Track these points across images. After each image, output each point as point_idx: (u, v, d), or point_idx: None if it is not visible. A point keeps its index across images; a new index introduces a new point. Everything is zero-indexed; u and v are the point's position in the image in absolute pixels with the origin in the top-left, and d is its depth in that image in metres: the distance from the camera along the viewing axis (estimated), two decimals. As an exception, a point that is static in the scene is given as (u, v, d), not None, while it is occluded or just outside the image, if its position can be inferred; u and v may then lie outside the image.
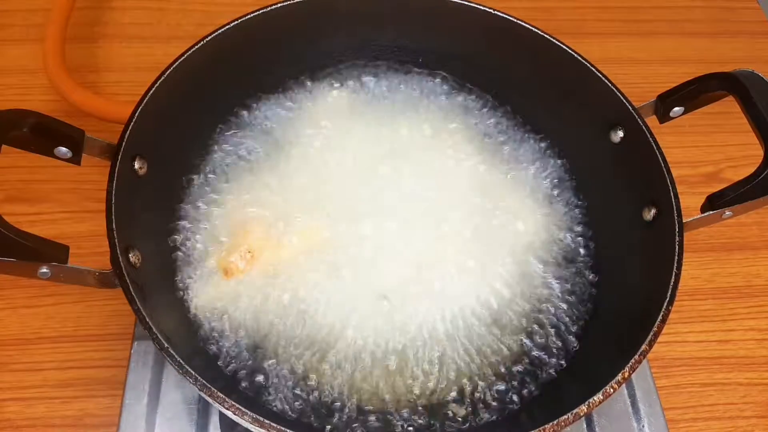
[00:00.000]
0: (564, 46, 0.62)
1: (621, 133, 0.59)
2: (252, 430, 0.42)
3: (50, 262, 0.44)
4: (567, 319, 0.57)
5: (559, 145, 0.67)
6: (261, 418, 0.41)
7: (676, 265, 0.49)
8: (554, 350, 0.56)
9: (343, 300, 0.55)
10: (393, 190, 0.61)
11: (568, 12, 0.98)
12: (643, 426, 0.61)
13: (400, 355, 0.54)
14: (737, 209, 0.52)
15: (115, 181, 0.49)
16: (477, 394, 0.53)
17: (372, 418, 0.51)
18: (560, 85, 0.64)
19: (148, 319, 0.44)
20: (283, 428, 0.41)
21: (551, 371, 0.55)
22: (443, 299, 0.56)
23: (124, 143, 0.51)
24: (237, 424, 0.43)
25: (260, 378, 0.52)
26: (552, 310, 0.58)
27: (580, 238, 0.62)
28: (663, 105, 0.58)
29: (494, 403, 0.53)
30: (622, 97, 0.59)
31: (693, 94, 0.56)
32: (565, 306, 0.58)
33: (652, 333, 0.46)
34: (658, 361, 0.67)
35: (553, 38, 0.62)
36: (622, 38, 0.96)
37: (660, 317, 0.47)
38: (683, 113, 0.58)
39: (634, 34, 0.97)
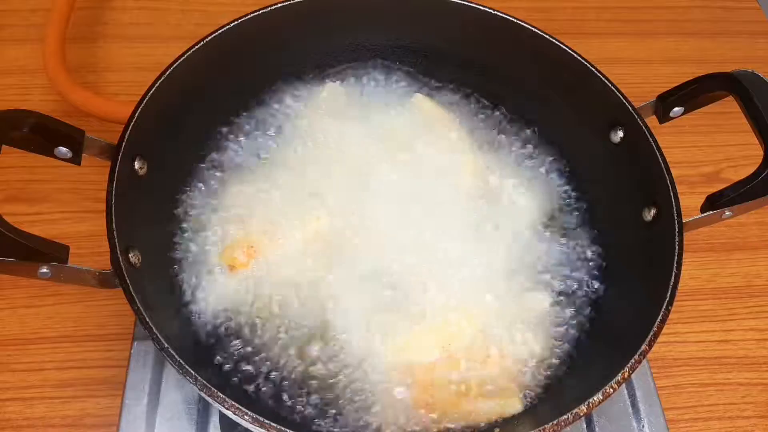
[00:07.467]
0: (564, 46, 0.62)
1: (621, 133, 0.59)
2: (252, 430, 0.42)
3: (50, 262, 0.44)
4: (566, 319, 0.57)
5: (559, 145, 0.66)
6: (261, 418, 0.41)
7: (676, 265, 0.49)
8: (554, 350, 0.56)
9: (346, 292, 0.55)
10: (391, 186, 0.61)
11: (568, 12, 0.98)
12: (643, 426, 0.61)
13: (403, 350, 0.54)
14: (737, 209, 0.52)
15: (115, 181, 0.49)
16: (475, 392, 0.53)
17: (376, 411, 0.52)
18: (560, 85, 0.64)
19: (148, 319, 0.44)
20: (283, 428, 0.41)
21: (551, 371, 0.55)
22: (442, 296, 0.56)
23: (124, 143, 0.51)
24: (237, 424, 0.43)
25: (262, 377, 0.52)
26: (551, 310, 0.58)
27: (579, 239, 0.62)
28: (663, 105, 0.58)
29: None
30: (622, 97, 0.59)
31: (693, 94, 0.57)
32: (564, 306, 0.58)
33: (652, 333, 0.46)
34: (658, 361, 0.67)
35: (553, 38, 0.62)
36: (622, 38, 0.96)
37: (660, 317, 0.47)
38: (683, 113, 0.58)
39: (634, 34, 0.97)
